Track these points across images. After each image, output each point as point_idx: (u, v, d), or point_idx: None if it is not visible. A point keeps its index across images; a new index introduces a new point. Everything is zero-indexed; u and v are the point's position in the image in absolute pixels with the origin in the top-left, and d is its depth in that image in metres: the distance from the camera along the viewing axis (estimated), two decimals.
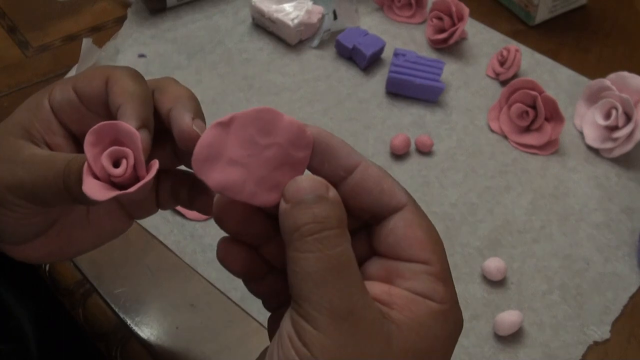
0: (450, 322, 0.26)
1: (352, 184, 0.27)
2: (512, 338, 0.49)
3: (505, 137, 0.63)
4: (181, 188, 0.34)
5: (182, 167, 0.34)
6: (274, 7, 0.68)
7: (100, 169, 0.28)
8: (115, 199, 0.27)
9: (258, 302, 0.50)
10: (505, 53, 0.67)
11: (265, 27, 0.71)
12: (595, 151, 0.62)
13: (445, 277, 0.27)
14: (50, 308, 0.56)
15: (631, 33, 0.75)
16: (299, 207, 0.25)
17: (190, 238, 0.53)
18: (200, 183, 0.28)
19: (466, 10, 0.67)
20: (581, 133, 0.63)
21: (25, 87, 0.64)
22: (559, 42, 0.73)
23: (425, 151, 0.60)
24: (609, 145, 0.61)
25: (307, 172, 0.28)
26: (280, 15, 0.68)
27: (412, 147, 0.61)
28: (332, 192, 0.26)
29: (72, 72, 0.60)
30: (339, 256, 0.24)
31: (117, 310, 0.49)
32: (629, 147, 0.59)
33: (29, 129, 0.31)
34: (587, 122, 0.63)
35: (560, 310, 0.51)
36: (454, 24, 0.68)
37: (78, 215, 0.35)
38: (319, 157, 0.27)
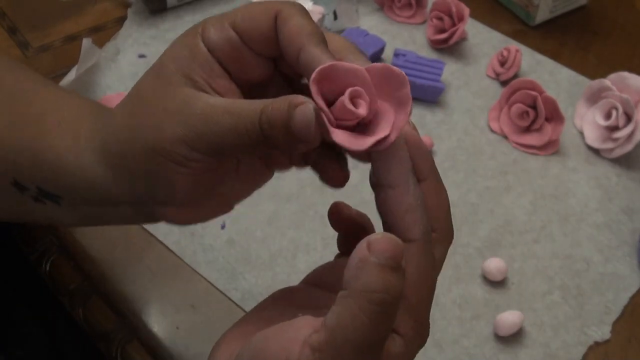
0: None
1: (389, 195, 0.27)
2: (512, 338, 0.49)
3: (506, 137, 0.63)
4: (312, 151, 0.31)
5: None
6: None
7: (338, 115, 0.26)
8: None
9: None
10: (505, 53, 0.67)
11: None
12: (596, 151, 0.62)
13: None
14: (51, 308, 0.56)
15: (631, 33, 0.75)
16: (379, 268, 0.23)
17: (191, 238, 0.53)
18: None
19: (466, 11, 0.67)
20: (581, 133, 0.63)
21: None
22: (559, 42, 0.73)
23: None
24: (609, 145, 0.61)
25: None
26: None
27: None
28: (403, 261, 0.24)
29: (72, 73, 0.60)
30: (380, 339, 0.24)
31: (117, 310, 0.49)
32: (629, 147, 0.59)
33: (190, 75, 0.28)
34: (587, 122, 0.63)
35: (561, 310, 0.51)
36: (454, 24, 0.68)
37: (229, 168, 0.32)
38: (387, 162, 0.27)
